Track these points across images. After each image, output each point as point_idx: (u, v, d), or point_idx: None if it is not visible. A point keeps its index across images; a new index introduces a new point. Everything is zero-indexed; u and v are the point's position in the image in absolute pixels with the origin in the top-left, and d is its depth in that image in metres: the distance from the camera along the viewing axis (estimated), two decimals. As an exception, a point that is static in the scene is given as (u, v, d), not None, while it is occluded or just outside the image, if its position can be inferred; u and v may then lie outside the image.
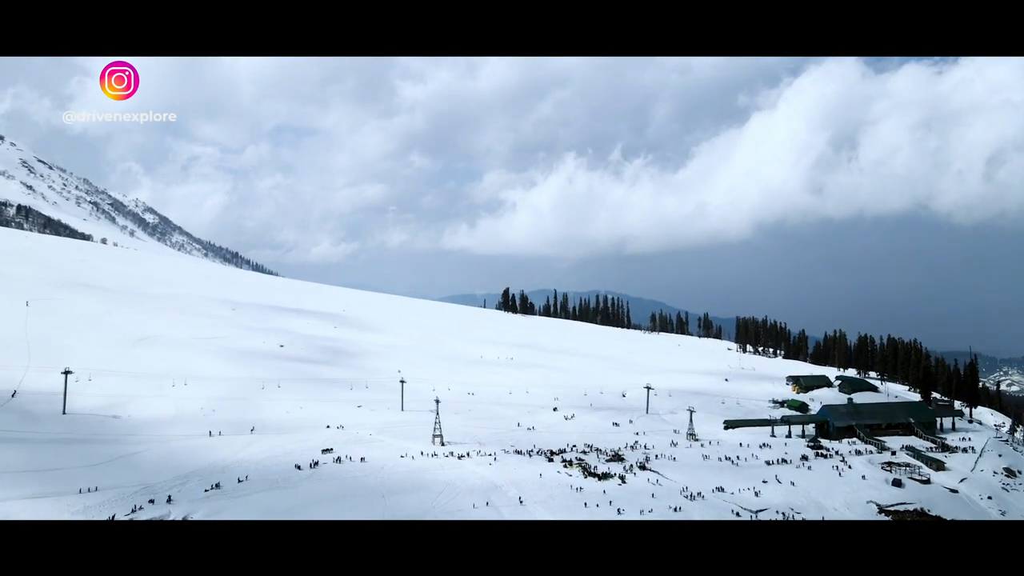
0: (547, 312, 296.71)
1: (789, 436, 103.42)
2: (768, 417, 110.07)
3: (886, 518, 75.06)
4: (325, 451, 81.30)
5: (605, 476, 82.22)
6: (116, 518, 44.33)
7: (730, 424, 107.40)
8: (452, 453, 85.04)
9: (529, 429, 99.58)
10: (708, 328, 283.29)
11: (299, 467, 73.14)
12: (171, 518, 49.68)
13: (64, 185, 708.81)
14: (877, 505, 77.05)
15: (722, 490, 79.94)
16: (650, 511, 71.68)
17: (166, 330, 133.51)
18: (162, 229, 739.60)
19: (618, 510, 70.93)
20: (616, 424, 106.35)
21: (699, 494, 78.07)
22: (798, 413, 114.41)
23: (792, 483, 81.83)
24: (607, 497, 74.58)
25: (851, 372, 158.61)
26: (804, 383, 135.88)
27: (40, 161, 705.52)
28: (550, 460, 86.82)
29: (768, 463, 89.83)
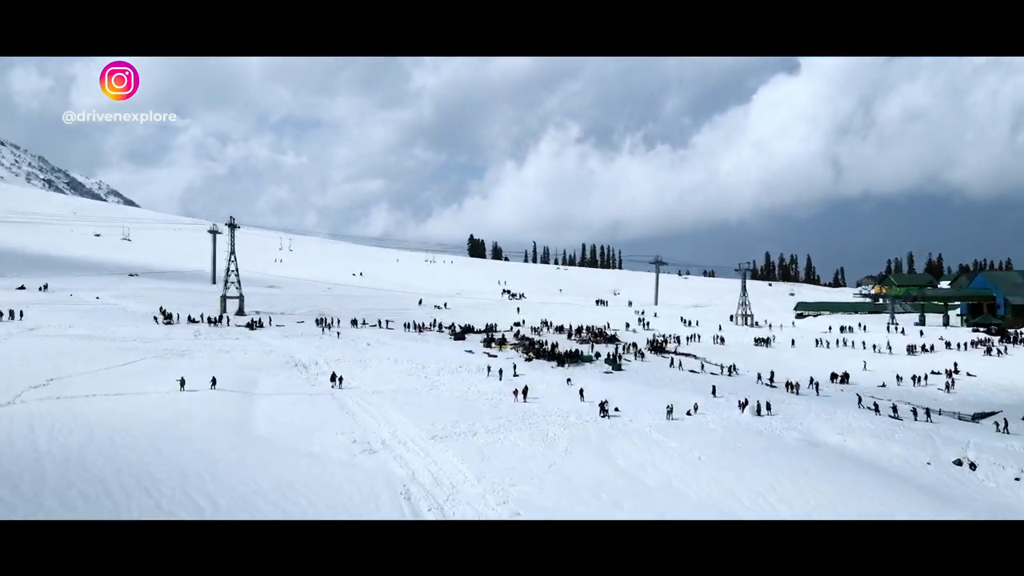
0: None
1: (921, 323, 56.83)
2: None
3: None
4: None
5: (576, 359, 35.48)
6: None
7: (806, 309, 61.10)
8: (248, 324, 38.41)
9: (438, 307, 52.77)
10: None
11: None
12: None
13: (15, 161, 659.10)
14: None
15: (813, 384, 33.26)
16: (690, 414, 24.93)
17: None
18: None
19: (603, 409, 23.95)
20: (602, 303, 59.69)
21: (795, 385, 31.32)
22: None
23: (975, 374, 35.16)
24: (574, 388, 27.77)
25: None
26: (900, 280, 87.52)
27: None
28: (458, 338, 40.04)
29: (912, 350, 43.26)
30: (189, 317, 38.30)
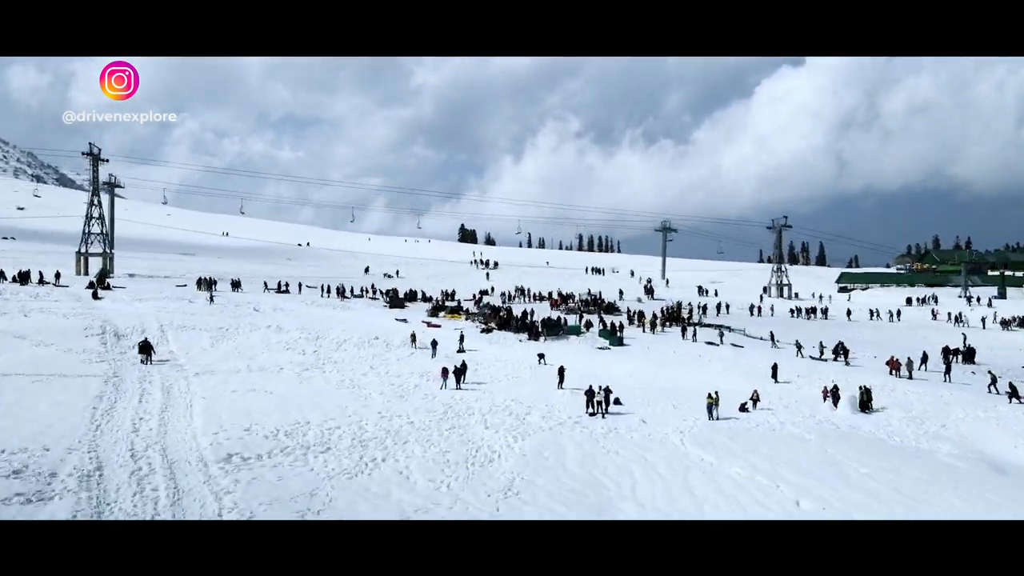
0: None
1: (1002, 296, 45.36)
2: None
3: None
4: None
5: (555, 330, 23.76)
6: None
7: (851, 281, 50.10)
8: (89, 284, 26.66)
9: (389, 276, 41.33)
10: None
11: None
12: None
13: (3, 157, 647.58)
14: None
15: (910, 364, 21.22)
16: (746, 408, 12.85)
17: None
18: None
19: (593, 400, 11.77)
20: (598, 271, 48.38)
21: (905, 364, 19.55)
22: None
23: None
24: (550, 368, 15.64)
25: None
26: (943, 256, 74.68)
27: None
28: (396, 306, 28.43)
29: (1008, 324, 31.96)
30: (1, 274, 26.74)
